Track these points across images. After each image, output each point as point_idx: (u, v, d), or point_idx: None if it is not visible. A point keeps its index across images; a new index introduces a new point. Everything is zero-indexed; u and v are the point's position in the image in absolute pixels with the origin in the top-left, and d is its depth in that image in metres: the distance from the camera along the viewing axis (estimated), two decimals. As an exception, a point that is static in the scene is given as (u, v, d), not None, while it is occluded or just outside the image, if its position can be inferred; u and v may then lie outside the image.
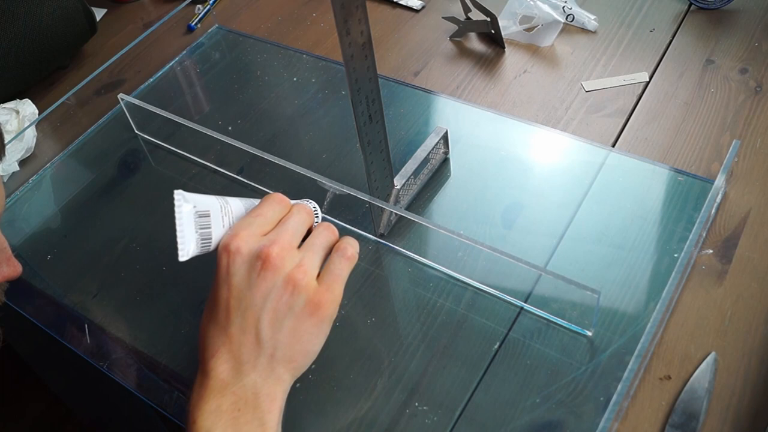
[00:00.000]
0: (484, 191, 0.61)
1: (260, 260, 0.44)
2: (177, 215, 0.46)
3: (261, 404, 0.43)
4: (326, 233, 0.48)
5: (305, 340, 0.45)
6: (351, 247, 0.47)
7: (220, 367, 0.44)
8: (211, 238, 0.47)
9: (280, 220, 0.47)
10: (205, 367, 0.44)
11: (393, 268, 0.57)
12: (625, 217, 0.57)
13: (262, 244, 0.45)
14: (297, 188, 0.62)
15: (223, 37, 0.83)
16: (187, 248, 0.46)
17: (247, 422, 0.42)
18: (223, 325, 0.45)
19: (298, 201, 0.51)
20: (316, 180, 0.57)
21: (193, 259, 0.60)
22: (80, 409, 1.12)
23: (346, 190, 0.56)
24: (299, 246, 0.47)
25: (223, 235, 0.47)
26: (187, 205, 0.47)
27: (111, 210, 0.66)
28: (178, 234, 0.46)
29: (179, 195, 0.47)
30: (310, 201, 0.51)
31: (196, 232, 0.46)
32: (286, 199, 0.49)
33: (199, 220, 0.47)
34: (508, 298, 0.53)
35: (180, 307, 0.56)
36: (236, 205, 0.49)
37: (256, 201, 0.49)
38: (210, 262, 0.59)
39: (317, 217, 0.51)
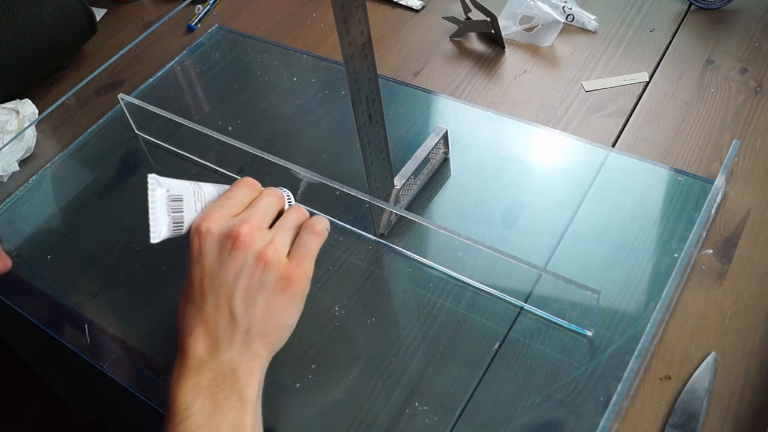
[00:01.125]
0: (484, 191, 0.61)
1: (231, 239, 0.45)
2: (150, 199, 0.48)
3: (239, 379, 0.44)
4: (296, 214, 0.50)
5: (279, 315, 0.46)
6: (319, 224, 0.49)
7: (197, 345, 0.45)
8: (183, 222, 0.48)
9: (251, 203, 0.49)
10: (183, 347, 0.46)
11: (393, 268, 0.57)
12: (625, 217, 0.57)
13: (232, 224, 0.46)
14: (297, 188, 0.62)
15: (223, 37, 0.83)
16: (159, 230, 0.48)
17: (226, 397, 0.43)
18: (199, 304, 0.46)
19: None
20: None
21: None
22: (80, 409, 1.12)
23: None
24: (270, 227, 0.48)
25: (195, 218, 0.48)
26: (160, 189, 0.48)
27: (111, 210, 0.66)
28: (151, 217, 0.47)
29: (153, 179, 0.48)
30: (284, 189, 0.52)
31: (169, 215, 0.48)
32: (257, 182, 0.50)
33: (171, 203, 0.48)
34: (508, 298, 0.53)
35: (180, 307, 0.56)
36: (209, 189, 0.50)
37: (228, 187, 0.50)
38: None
39: (290, 204, 0.52)
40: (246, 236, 0.46)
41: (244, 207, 0.48)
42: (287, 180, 0.63)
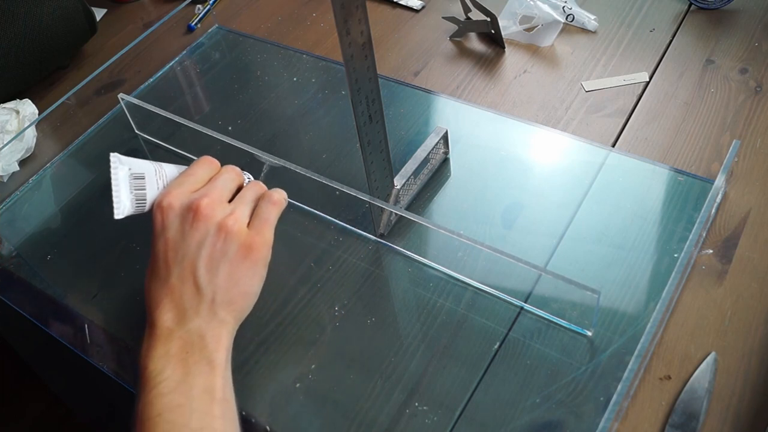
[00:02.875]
0: (484, 191, 0.61)
1: (192, 212, 0.48)
2: (113, 177, 0.50)
3: (208, 345, 0.45)
4: (255, 188, 0.52)
5: (243, 283, 0.47)
6: (277, 194, 0.51)
7: (165, 316, 0.46)
8: (145, 199, 0.51)
9: (210, 179, 0.51)
10: (151, 319, 0.47)
11: (393, 268, 0.57)
12: (625, 217, 0.57)
13: (193, 198, 0.49)
14: (297, 188, 0.62)
15: (223, 37, 0.83)
16: (123, 207, 0.50)
17: (196, 362, 0.44)
18: (164, 277, 0.47)
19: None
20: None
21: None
22: (80, 409, 1.12)
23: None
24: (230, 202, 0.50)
25: (157, 196, 0.51)
26: (123, 167, 0.50)
27: (111, 210, 0.66)
28: (114, 194, 0.50)
29: (115, 158, 0.51)
30: (246, 172, 0.55)
31: (131, 192, 0.50)
32: (216, 161, 0.53)
33: (134, 182, 0.50)
34: (508, 298, 0.53)
35: (180, 307, 0.56)
36: (170, 169, 0.53)
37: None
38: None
39: None
40: (206, 208, 0.48)
41: (204, 183, 0.51)
42: (287, 179, 0.63)
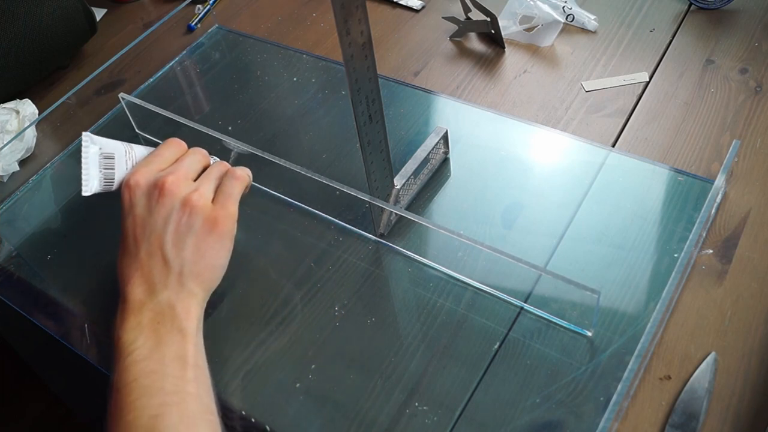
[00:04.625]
0: (484, 191, 0.61)
1: (157, 189, 0.50)
2: (83, 155, 0.52)
3: (178, 315, 0.47)
4: (220, 167, 0.54)
5: (209, 256, 0.49)
6: (240, 170, 0.54)
7: (135, 290, 0.48)
8: (113, 179, 0.53)
9: (177, 160, 0.53)
10: (123, 295, 0.48)
11: (393, 268, 0.57)
12: (625, 217, 0.57)
13: (159, 176, 0.51)
14: (297, 188, 0.62)
15: (223, 37, 0.83)
16: (91, 185, 0.53)
17: (167, 332, 0.46)
18: (134, 253, 0.49)
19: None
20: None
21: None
22: (80, 409, 1.12)
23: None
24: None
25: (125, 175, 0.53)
26: (93, 146, 0.53)
27: (111, 210, 0.66)
28: (83, 172, 0.52)
29: (86, 137, 0.53)
30: (213, 156, 0.57)
31: (100, 171, 0.52)
32: (183, 143, 0.55)
33: (103, 161, 0.53)
34: (508, 298, 0.53)
35: (180, 307, 0.56)
36: (140, 151, 0.55)
37: None
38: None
39: None
40: (172, 185, 0.50)
41: (170, 163, 0.53)
42: (286, 179, 0.63)
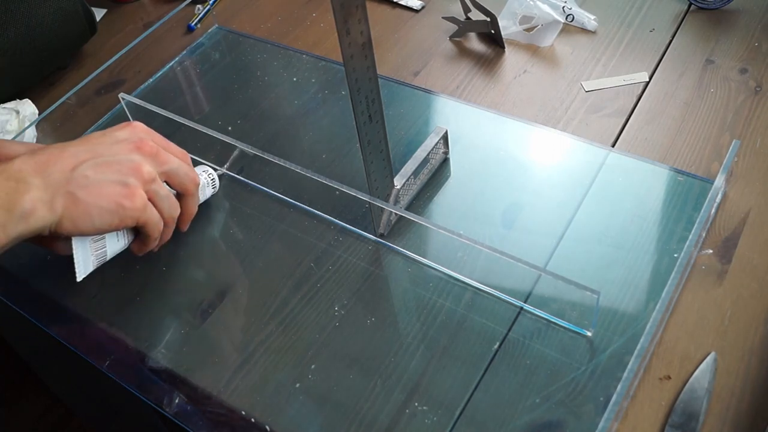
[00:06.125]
0: (484, 191, 0.61)
1: (143, 144, 0.51)
2: (73, 240, 0.51)
3: (23, 204, 0.45)
4: (191, 186, 0.56)
5: (95, 204, 0.48)
6: (192, 204, 0.57)
7: (25, 162, 0.47)
8: (106, 255, 0.54)
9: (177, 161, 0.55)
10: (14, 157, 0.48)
11: (393, 268, 0.57)
12: (625, 217, 0.57)
13: (157, 146, 0.53)
14: (297, 188, 0.62)
15: (223, 37, 0.83)
16: (86, 268, 0.53)
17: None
18: (63, 147, 0.49)
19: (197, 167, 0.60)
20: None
21: (194, 260, 0.60)
22: (80, 409, 1.12)
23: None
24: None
25: (117, 245, 0.54)
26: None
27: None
28: (75, 257, 0.51)
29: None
30: (206, 169, 0.60)
31: (92, 254, 0.53)
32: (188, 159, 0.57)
33: (93, 244, 0.53)
34: (508, 298, 0.53)
35: (180, 307, 0.56)
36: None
37: None
38: (209, 261, 0.60)
39: (215, 188, 0.62)
40: (151, 149, 0.51)
41: (175, 164, 0.54)
42: (286, 179, 0.63)
